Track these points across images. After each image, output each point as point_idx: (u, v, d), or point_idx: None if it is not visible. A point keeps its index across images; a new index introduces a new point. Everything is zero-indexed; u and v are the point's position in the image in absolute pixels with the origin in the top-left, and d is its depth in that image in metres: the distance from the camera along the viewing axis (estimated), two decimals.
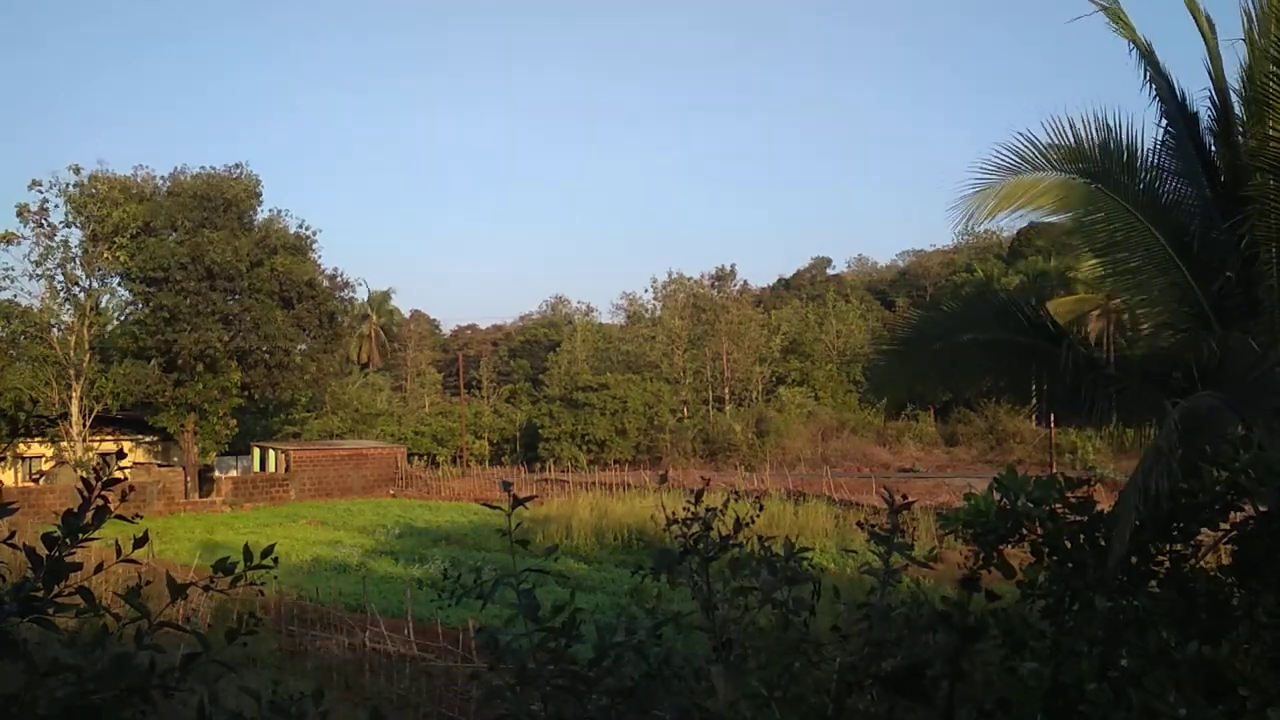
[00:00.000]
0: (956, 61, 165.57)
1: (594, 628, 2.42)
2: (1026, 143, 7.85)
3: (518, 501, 2.36)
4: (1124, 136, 7.91)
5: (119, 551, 1.77)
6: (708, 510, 2.77)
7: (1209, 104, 8.00)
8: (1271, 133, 7.12)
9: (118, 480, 1.72)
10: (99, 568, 1.88)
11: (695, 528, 2.71)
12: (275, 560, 1.98)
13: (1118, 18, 7.98)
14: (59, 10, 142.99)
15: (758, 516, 3.50)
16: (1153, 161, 8.07)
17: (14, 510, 1.70)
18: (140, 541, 1.76)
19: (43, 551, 1.61)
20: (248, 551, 1.90)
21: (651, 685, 2.35)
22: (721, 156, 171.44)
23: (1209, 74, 7.96)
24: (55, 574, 1.59)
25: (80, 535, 1.62)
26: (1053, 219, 8.72)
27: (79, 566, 1.67)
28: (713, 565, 2.69)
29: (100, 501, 1.69)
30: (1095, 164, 7.86)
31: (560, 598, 2.56)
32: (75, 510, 1.67)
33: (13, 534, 1.90)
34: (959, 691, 1.95)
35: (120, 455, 1.95)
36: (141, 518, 1.68)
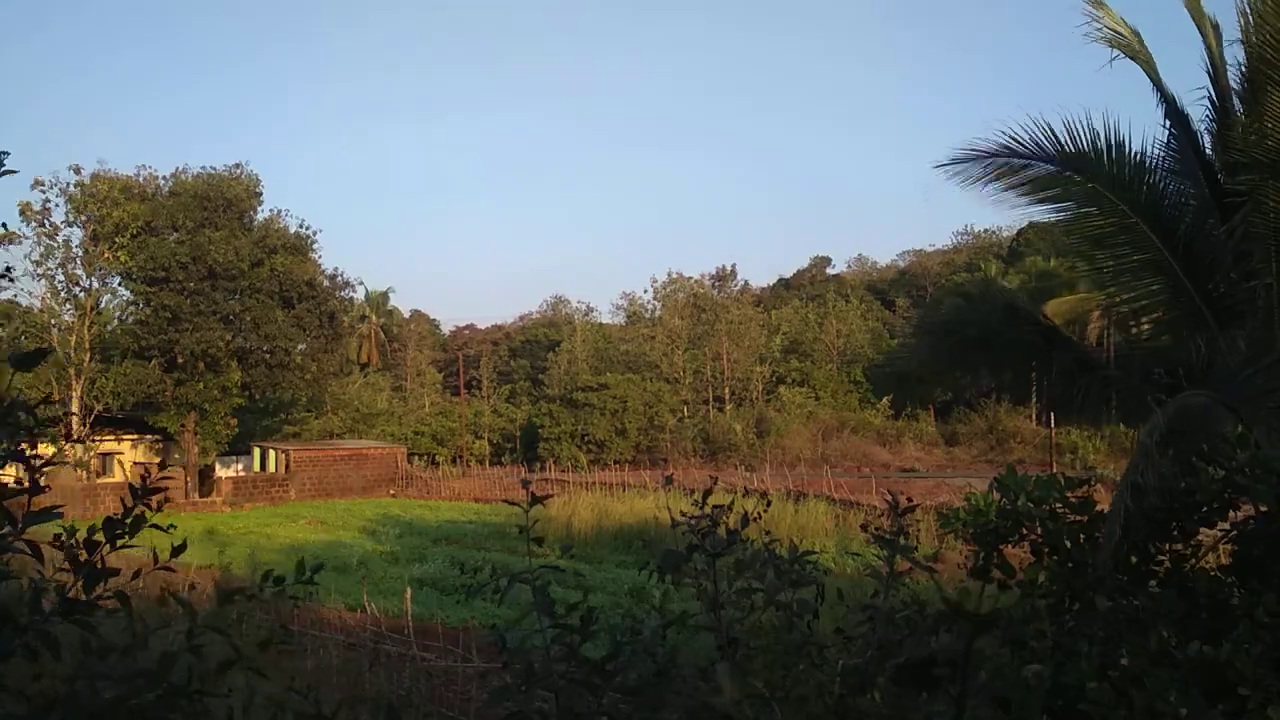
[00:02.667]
0: (956, 61, 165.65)
1: (605, 625, 2.46)
2: (1013, 139, 7.84)
3: (536, 499, 2.40)
4: (1114, 134, 7.92)
5: (155, 559, 1.80)
6: (715, 508, 2.81)
7: (1206, 103, 8.03)
8: (1268, 130, 7.15)
9: (159, 489, 1.76)
10: (137, 574, 1.93)
11: (703, 524, 2.75)
12: (316, 578, 2.01)
13: (1112, 24, 8.02)
14: (59, 9, 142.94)
15: (765, 511, 3.54)
16: (1146, 160, 8.09)
17: (60, 513, 1.74)
18: (179, 549, 1.80)
19: (82, 555, 1.65)
20: (301, 566, 1.93)
21: (660, 683, 2.39)
22: (722, 156, 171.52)
23: (1208, 73, 7.99)
24: (94, 578, 1.63)
25: (118, 540, 1.66)
26: (1044, 216, 8.74)
27: (117, 572, 1.71)
28: (718, 565, 2.73)
29: (141, 508, 1.73)
30: (1086, 161, 7.86)
31: (565, 597, 2.61)
32: (116, 516, 1.71)
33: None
34: (970, 683, 1.99)
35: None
36: (175, 528, 1.72)
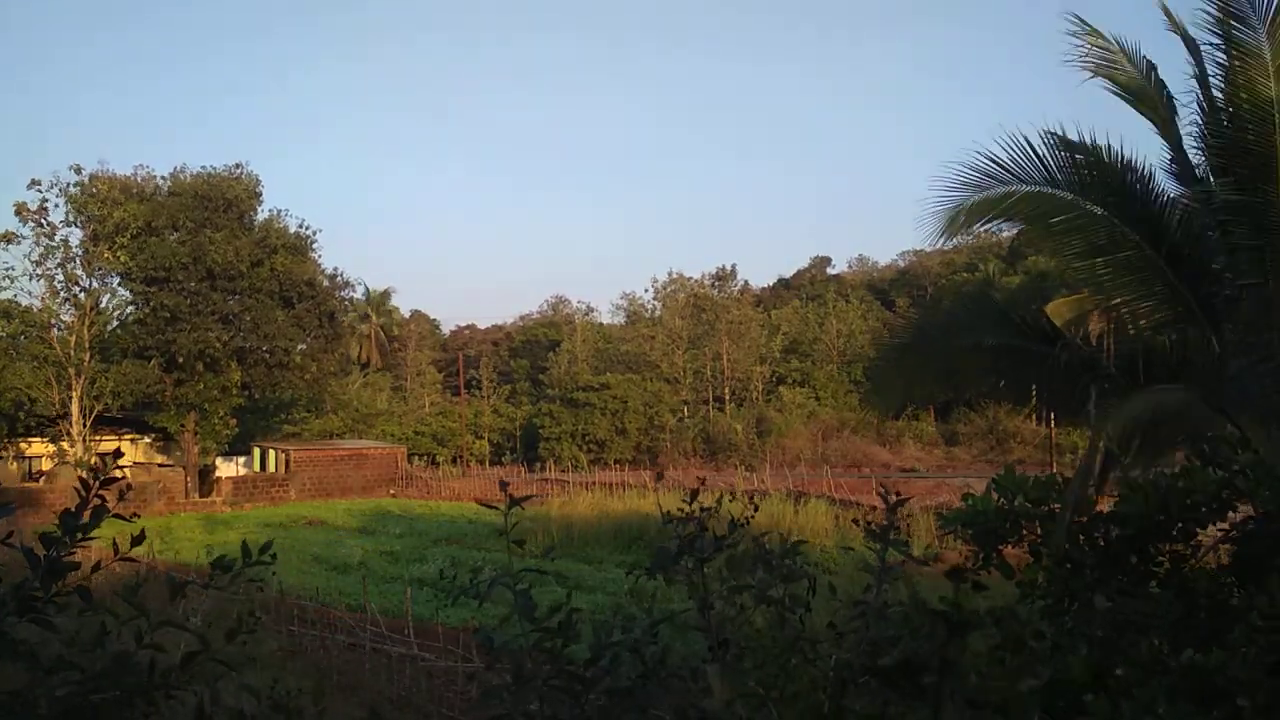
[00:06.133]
0: (957, 60, 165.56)
1: (591, 627, 2.43)
2: (1008, 147, 7.73)
3: (514, 501, 2.36)
4: (1105, 138, 7.86)
5: (116, 550, 1.77)
6: (703, 509, 2.77)
7: (1195, 106, 7.96)
8: (1250, 136, 7.13)
9: (115, 479, 1.72)
10: (96, 567, 1.89)
11: (690, 527, 2.71)
12: (274, 557, 1.99)
13: (1091, 33, 7.95)
14: (59, 8, 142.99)
15: (753, 516, 3.50)
16: (1131, 163, 8.02)
17: (13, 510, 1.70)
18: (138, 540, 1.76)
19: (40, 551, 1.61)
20: (245, 549, 1.90)
21: (648, 685, 2.35)
22: (722, 156, 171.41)
23: (1195, 78, 7.92)
24: (53, 573, 1.60)
25: (79, 535, 1.63)
26: (1029, 227, 8.64)
27: (77, 566, 1.67)
28: (709, 564, 2.69)
29: (98, 501, 1.70)
30: (1071, 168, 7.79)
31: (559, 598, 2.57)
32: (73, 509, 1.68)
33: (11, 534, 1.91)
34: (947, 685, 1.95)
35: (118, 454, 1.95)
36: (139, 517, 1.68)
